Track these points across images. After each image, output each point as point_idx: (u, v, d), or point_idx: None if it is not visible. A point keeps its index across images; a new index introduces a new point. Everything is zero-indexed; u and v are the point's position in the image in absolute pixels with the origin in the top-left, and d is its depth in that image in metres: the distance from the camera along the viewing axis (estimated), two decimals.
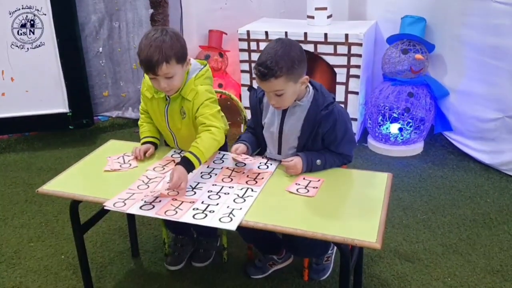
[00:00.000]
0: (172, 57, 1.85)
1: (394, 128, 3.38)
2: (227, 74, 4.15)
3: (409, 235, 2.55)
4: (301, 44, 3.15)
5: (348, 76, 3.39)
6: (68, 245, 2.56)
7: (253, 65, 3.55)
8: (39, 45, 3.47)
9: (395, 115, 3.34)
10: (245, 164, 1.99)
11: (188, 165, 1.83)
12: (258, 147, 2.13)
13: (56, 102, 3.61)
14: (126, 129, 4.01)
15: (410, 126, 3.34)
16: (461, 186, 3.00)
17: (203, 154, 1.87)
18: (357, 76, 3.37)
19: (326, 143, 1.93)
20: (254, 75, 1.86)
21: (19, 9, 3.41)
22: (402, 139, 3.39)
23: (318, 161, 1.90)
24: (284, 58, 1.76)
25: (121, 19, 3.85)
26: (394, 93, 3.34)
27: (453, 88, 3.33)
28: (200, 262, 2.37)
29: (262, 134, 2.06)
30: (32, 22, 3.42)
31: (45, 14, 3.43)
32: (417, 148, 3.43)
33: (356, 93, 3.40)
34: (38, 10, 3.41)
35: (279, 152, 2.01)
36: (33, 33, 3.45)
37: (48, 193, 1.89)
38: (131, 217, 2.42)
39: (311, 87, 1.93)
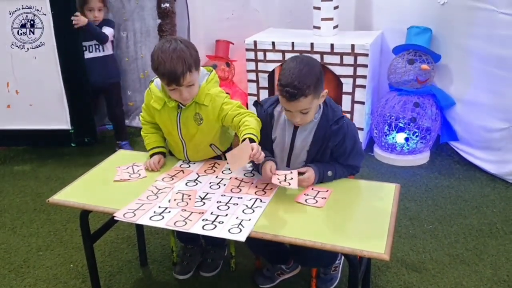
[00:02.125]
0: (193, 64, 1.88)
1: (400, 137, 3.39)
2: (234, 83, 4.18)
3: (416, 245, 2.55)
4: (308, 54, 3.17)
5: (354, 86, 3.41)
6: (76, 254, 2.58)
7: (260, 74, 3.65)
8: (39, 45, 3.48)
9: (401, 124, 3.35)
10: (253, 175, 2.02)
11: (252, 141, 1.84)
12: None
13: (59, 118, 3.62)
14: (134, 138, 4.03)
15: (416, 136, 3.35)
16: (467, 196, 3.00)
17: (257, 132, 1.89)
18: (363, 86, 3.39)
19: (335, 155, 1.96)
20: (280, 96, 1.86)
21: (19, 9, 3.43)
22: (408, 149, 3.40)
23: (330, 173, 1.93)
24: (310, 76, 1.78)
25: (128, 29, 3.90)
26: (400, 103, 3.35)
27: (459, 98, 3.34)
28: (208, 272, 2.38)
29: (270, 148, 2.06)
30: (32, 22, 3.43)
31: (45, 14, 3.43)
32: (423, 157, 3.44)
33: (362, 103, 3.42)
34: (38, 10, 3.41)
35: (288, 165, 2.02)
36: (33, 33, 3.46)
37: (59, 203, 1.91)
38: (139, 226, 2.43)
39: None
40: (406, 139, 3.38)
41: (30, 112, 3.60)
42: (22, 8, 3.43)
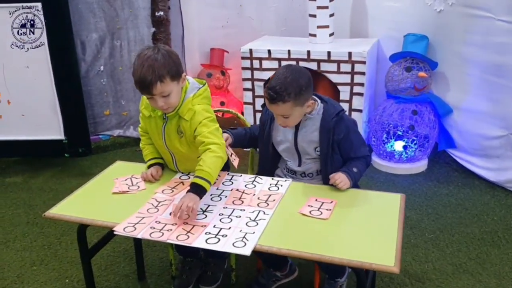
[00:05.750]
0: (166, 75, 1.82)
1: (398, 145, 3.37)
2: (229, 92, 4.14)
3: (418, 254, 2.52)
4: (304, 62, 3.18)
5: (352, 94, 3.38)
6: (72, 268, 2.51)
7: (255, 83, 3.62)
8: (39, 45, 3.45)
9: (399, 132, 3.33)
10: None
11: (199, 190, 1.79)
12: (244, 146, 2.26)
13: (52, 128, 3.58)
14: (128, 148, 3.97)
15: (415, 144, 3.33)
16: (467, 204, 2.98)
17: (210, 174, 1.82)
18: (361, 94, 3.36)
19: (344, 152, 2.01)
20: (264, 98, 1.96)
21: (19, 9, 3.39)
22: (406, 157, 3.38)
23: (354, 169, 1.98)
24: (293, 85, 1.87)
25: (122, 38, 3.85)
26: (398, 111, 3.33)
27: (457, 106, 3.33)
28: (208, 285, 2.32)
29: (264, 148, 2.14)
30: (32, 22, 3.39)
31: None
32: (422, 165, 3.42)
33: (360, 110, 3.40)
34: (38, 10, 3.38)
35: (299, 165, 2.08)
36: (33, 33, 3.42)
37: (55, 217, 1.85)
38: (137, 239, 2.36)
39: (319, 101, 2.03)
40: (405, 147, 3.36)
41: (23, 123, 3.55)
42: (22, 8, 3.40)
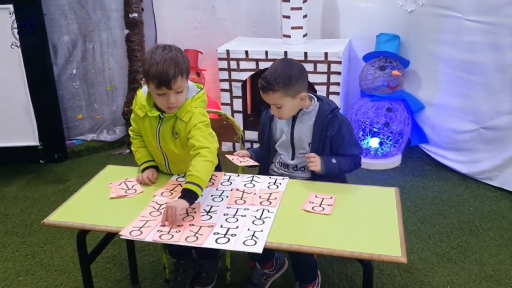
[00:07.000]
0: (185, 71, 1.87)
1: (374, 142, 3.47)
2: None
3: None
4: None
5: (328, 93, 3.46)
6: (60, 277, 2.45)
7: (233, 83, 3.64)
8: None
9: (375, 129, 3.43)
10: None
11: (189, 195, 1.79)
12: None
13: (26, 134, 3.46)
14: (102, 152, 3.88)
15: (390, 140, 3.45)
16: (443, 196, 3.11)
17: (200, 179, 1.82)
18: (337, 93, 3.45)
19: (335, 148, 2.08)
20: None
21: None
22: (382, 153, 3.49)
23: (334, 160, 2.05)
24: (282, 75, 1.97)
25: (95, 40, 3.77)
26: (373, 109, 3.44)
27: (428, 102, 3.47)
28: (203, 286, 2.33)
29: (265, 147, 2.21)
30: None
31: (45, 14, 3.38)
32: (396, 161, 3.54)
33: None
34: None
35: (293, 158, 2.15)
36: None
37: (55, 225, 1.81)
38: (130, 243, 2.35)
39: (315, 99, 2.12)
40: (380, 143, 3.47)
41: None
42: None
